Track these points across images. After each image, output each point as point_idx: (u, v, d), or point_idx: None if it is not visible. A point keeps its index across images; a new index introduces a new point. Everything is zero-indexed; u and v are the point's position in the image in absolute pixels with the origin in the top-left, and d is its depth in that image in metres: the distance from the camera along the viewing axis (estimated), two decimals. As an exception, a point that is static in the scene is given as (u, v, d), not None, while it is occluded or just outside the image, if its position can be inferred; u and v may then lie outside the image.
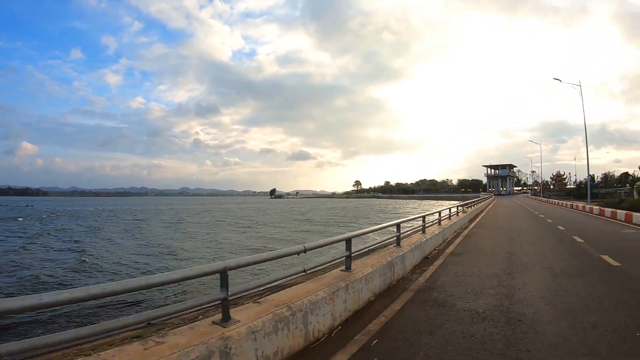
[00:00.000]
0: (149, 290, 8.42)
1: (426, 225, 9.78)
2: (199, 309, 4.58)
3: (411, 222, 9.83)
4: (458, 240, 11.35)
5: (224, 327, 3.04)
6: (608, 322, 4.22)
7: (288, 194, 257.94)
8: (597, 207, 24.66)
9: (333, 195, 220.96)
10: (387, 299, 5.48)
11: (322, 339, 4.01)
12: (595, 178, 75.10)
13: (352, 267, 5.19)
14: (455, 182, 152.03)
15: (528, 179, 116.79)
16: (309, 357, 3.62)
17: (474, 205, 22.33)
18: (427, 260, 8.37)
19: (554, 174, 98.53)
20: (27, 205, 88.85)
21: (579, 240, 11.05)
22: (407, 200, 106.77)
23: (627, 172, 72.11)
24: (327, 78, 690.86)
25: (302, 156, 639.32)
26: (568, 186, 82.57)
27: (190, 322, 3.41)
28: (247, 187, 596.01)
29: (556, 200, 45.58)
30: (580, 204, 30.84)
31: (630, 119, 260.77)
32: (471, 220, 18.31)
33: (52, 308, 2.83)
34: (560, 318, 4.41)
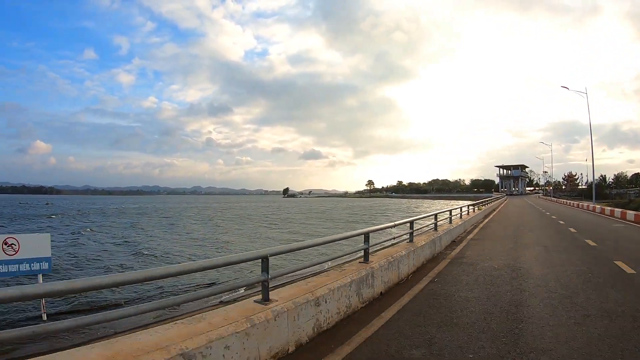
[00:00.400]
0: (205, 271, 8.48)
1: (452, 218, 12.73)
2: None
3: (440, 214, 12.71)
4: (476, 230, 14.26)
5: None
6: (574, 269, 7.15)
7: (301, 193, 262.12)
8: (600, 206, 27.22)
9: (346, 195, 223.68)
10: (433, 263, 8.38)
11: (405, 279, 6.95)
12: (607, 179, 76.64)
13: (414, 240, 8.12)
14: (467, 182, 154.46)
15: (540, 179, 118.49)
16: (406, 285, 6.60)
17: (487, 204, 25.10)
18: (454, 243, 11.28)
19: (566, 174, 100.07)
20: (47, 204, 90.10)
21: (573, 230, 13.86)
22: (421, 200, 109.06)
23: (638, 173, 73.37)
24: (338, 77, 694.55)
25: (314, 155, 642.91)
26: (580, 186, 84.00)
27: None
28: (259, 186, 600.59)
29: (565, 200, 47.85)
30: (586, 204, 33.35)
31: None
32: (486, 217, 21.13)
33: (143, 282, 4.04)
34: (545, 269, 7.33)
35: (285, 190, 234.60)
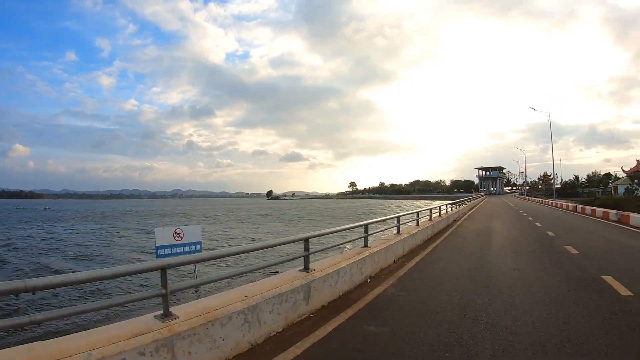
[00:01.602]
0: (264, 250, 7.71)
1: (432, 215, 14.84)
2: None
3: (422, 213, 15.77)
4: (459, 222, 19.88)
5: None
6: (525, 236, 13.02)
7: (284, 195, 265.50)
8: (558, 201, 33.96)
9: (327, 196, 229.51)
10: (430, 242, 11.80)
11: (405, 254, 12.17)
12: (580, 178, 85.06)
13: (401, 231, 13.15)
14: (448, 182, 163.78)
15: (518, 179, 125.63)
16: (407, 258, 12.00)
17: (467, 203, 30.87)
18: (440, 233, 16.68)
19: (541, 174, 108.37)
20: (45, 208, 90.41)
21: (530, 218, 19.98)
22: (403, 200, 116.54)
23: (609, 173, 79.86)
24: (319, 80, 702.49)
25: (295, 158, 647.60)
26: (555, 186, 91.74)
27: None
28: (239, 188, 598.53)
29: (535, 198, 55.68)
30: (549, 200, 40.08)
31: (619, 120, 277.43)
32: (468, 211, 26.92)
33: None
34: (506, 232, 13.08)
35: (269, 193, 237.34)
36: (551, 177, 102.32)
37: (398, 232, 9.79)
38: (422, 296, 5.63)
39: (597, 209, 21.10)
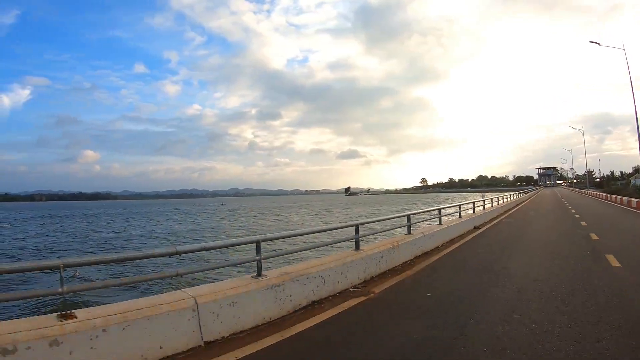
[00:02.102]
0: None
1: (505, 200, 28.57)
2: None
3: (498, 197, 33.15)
4: (524, 203, 34.93)
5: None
6: (553, 201, 28.29)
7: (361, 191, 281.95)
8: (589, 191, 47.90)
9: (401, 192, 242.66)
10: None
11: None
12: (614, 173, 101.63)
13: (476, 211, 24.36)
14: (510, 177, 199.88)
15: (568, 174, 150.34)
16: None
17: (530, 192, 45.88)
18: (511, 209, 32.04)
19: (587, 170, 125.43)
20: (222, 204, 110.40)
21: (565, 202, 33.57)
22: (473, 193, 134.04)
23: None
24: (373, 81, 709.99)
25: (351, 155, 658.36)
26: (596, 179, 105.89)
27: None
28: (295, 186, 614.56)
29: (575, 189, 72.86)
30: (585, 191, 53.63)
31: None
32: (530, 197, 41.84)
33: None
34: (548, 214, 28.35)
35: (347, 189, 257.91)
36: (593, 172, 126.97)
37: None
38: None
39: (601, 193, 35.48)
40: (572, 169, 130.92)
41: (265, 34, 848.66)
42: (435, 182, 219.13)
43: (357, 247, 6.80)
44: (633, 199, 23.41)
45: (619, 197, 28.99)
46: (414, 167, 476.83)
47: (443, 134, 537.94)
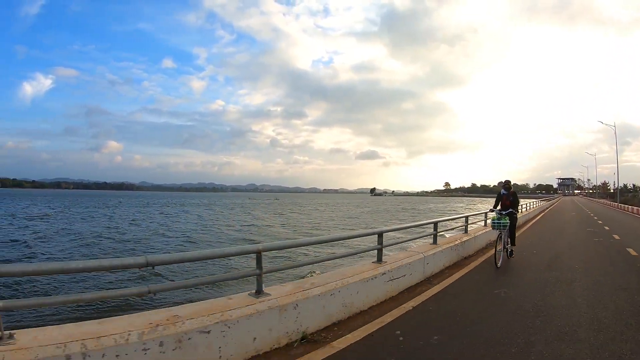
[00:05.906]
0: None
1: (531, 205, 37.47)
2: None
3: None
4: (548, 210, 42.47)
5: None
6: (572, 205, 36.18)
7: (385, 192, 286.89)
8: (600, 199, 55.20)
9: (419, 194, 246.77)
10: (531, 221, 30.17)
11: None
12: (627, 185, 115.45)
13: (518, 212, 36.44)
14: (531, 185, 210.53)
15: (585, 184, 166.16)
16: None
17: (551, 200, 53.24)
18: (539, 214, 39.66)
19: (602, 182, 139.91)
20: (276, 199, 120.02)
21: (585, 209, 40.45)
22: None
23: None
24: (396, 84, 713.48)
25: (370, 155, 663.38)
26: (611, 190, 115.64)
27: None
28: (312, 184, 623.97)
29: (591, 198, 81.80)
30: (601, 200, 60.79)
31: None
32: (551, 205, 49.31)
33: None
34: (572, 216, 35.75)
35: (373, 190, 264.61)
36: (608, 184, 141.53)
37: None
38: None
39: (606, 200, 42.99)
40: (589, 179, 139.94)
41: (293, 34, 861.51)
42: (458, 187, 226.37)
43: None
44: (641, 208, 30.67)
45: (628, 206, 36.73)
46: (434, 169, 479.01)
47: (463, 138, 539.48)
